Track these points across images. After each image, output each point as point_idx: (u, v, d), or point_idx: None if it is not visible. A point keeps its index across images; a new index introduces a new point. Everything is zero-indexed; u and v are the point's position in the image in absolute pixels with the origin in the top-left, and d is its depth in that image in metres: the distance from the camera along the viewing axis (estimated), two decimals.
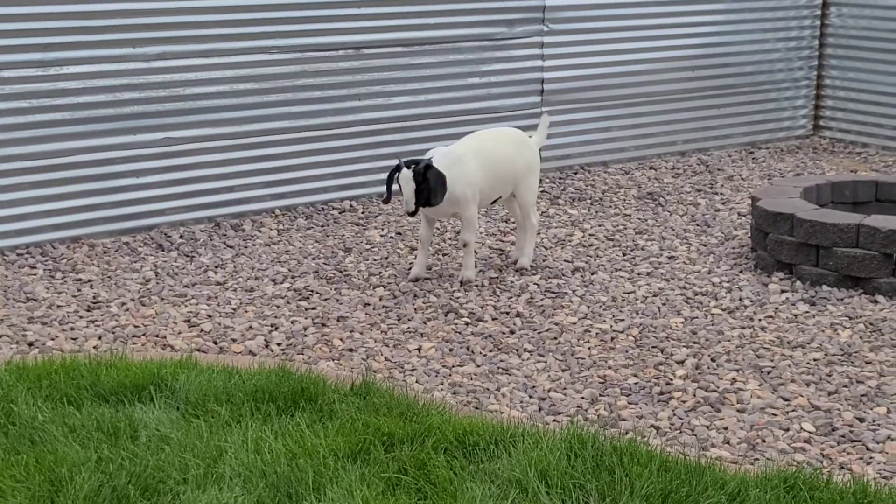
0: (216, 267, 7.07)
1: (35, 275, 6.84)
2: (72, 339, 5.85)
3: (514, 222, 7.56)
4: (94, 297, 6.45)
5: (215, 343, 5.83)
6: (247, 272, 6.98)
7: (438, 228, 7.80)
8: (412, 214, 6.54)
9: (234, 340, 5.87)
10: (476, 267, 6.91)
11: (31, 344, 5.74)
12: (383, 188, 8.49)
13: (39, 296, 6.46)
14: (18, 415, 4.43)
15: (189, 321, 6.12)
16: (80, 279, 6.78)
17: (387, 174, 6.68)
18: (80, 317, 6.18)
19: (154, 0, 7.66)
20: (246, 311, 6.30)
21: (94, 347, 5.70)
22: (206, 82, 7.92)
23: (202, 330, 6.00)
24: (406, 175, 6.37)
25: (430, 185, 6.38)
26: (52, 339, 5.83)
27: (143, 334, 5.94)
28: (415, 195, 6.38)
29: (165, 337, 5.88)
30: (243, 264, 7.14)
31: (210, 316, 6.20)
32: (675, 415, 5.06)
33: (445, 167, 6.46)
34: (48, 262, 7.05)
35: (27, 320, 6.10)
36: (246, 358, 5.58)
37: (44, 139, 7.35)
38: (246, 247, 7.51)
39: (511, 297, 6.55)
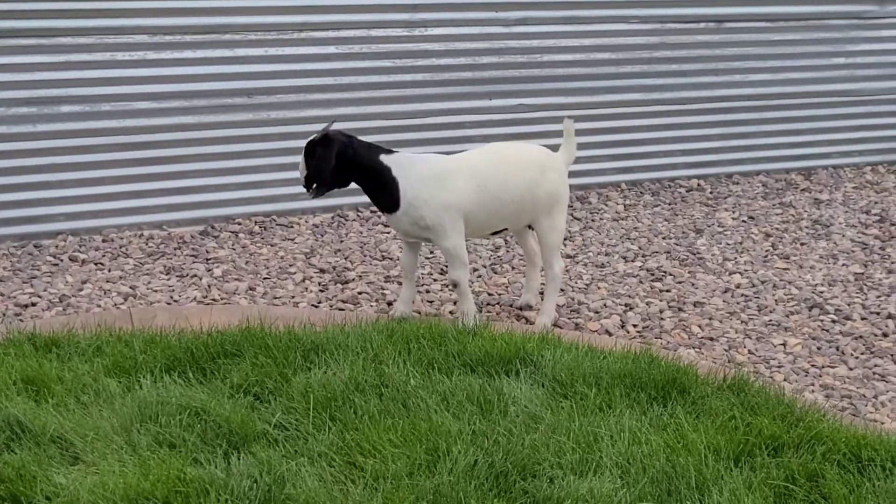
0: (565, 239, 6.92)
1: (389, 233, 6.89)
2: (427, 301, 5.84)
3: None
4: (446, 261, 6.42)
5: (569, 319, 5.68)
6: (596, 247, 6.81)
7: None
8: (308, 192, 5.24)
9: (589, 318, 5.70)
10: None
11: (389, 304, 5.76)
12: (733, 169, 8.18)
13: (394, 255, 6.50)
14: (390, 377, 4.40)
15: (541, 293, 6.00)
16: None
17: None
18: (434, 279, 6.17)
19: None
20: (599, 288, 6.13)
21: (450, 313, 5.66)
22: (564, 50, 7.78)
23: (556, 303, 5.85)
24: (308, 141, 5.21)
25: (314, 164, 5.12)
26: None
27: (497, 303, 5.87)
28: (305, 169, 5.19)
29: (522, 309, 5.77)
30: (592, 238, 6.97)
31: (563, 290, 6.06)
32: None
33: (418, 180, 5.15)
34: None
35: (384, 279, 6.14)
36: (604, 338, 5.41)
37: (403, 99, 7.41)
38: (593, 220, 7.34)
39: (880, 297, 6.09)
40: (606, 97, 7.99)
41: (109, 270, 6.15)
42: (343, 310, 5.67)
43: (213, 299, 5.78)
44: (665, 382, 4.48)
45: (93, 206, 6.73)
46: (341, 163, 5.11)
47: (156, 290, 5.86)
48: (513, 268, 6.38)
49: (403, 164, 5.19)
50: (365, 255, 6.49)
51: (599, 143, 8.02)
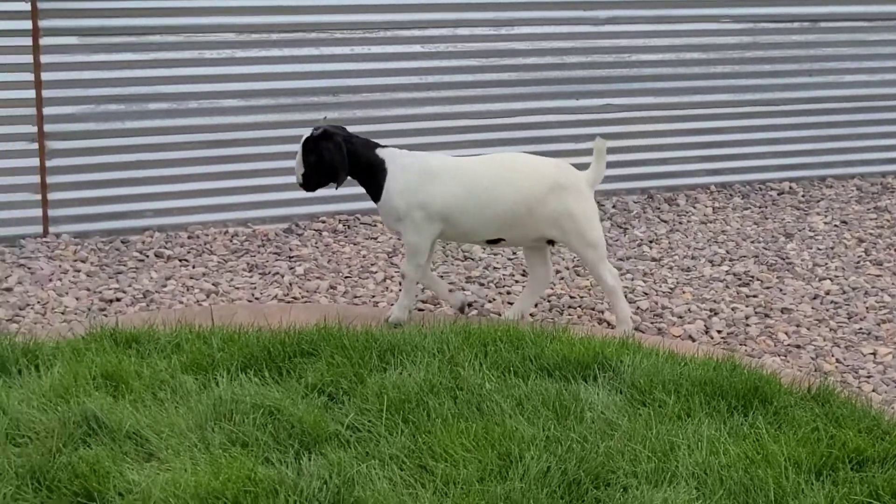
0: (650, 241, 6.82)
1: None
2: (508, 303, 5.78)
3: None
4: None
5: (652, 323, 5.59)
6: (682, 250, 6.69)
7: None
8: (304, 189, 5.39)
9: (672, 323, 5.60)
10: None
11: (470, 304, 5.72)
12: (826, 172, 7.99)
13: (476, 255, 6.45)
14: (465, 380, 4.35)
15: (625, 296, 5.90)
16: None
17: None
18: (516, 281, 6.11)
19: None
20: (683, 292, 6.02)
21: (531, 315, 5.60)
22: (652, 49, 7.68)
23: (639, 308, 5.77)
24: (304, 137, 5.28)
25: (320, 160, 5.20)
26: (490, 302, 5.79)
27: (579, 306, 5.79)
28: (303, 166, 5.28)
29: (603, 312, 5.69)
30: (678, 241, 6.85)
31: (646, 293, 5.97)
32: None
33: (403, 174, 5.17)
34: None
35: (465, 279, 6.10)
36: (686, 343, 5.31)
37: (489, 98, 7.36)
38: (680, 223, 7.22)
39: None
40: (696, 97, 7.86)
41: (193, 267, 6.20)
42: (422, 310, 5.64)
43: (294, 297, 5.78)
44: (746, 391, 4.38)
45: (179, 202, 6.79)
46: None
47: (238, 288, 5.89)
48: None
49: (395, 159, 5.22)
50: (447, 256, 6.45)
51: (688, 144, 7.90)
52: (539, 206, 5.14)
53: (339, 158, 5.17)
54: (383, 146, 5.30)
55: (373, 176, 5.24)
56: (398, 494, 3.59)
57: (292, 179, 6.89)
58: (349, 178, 5.30)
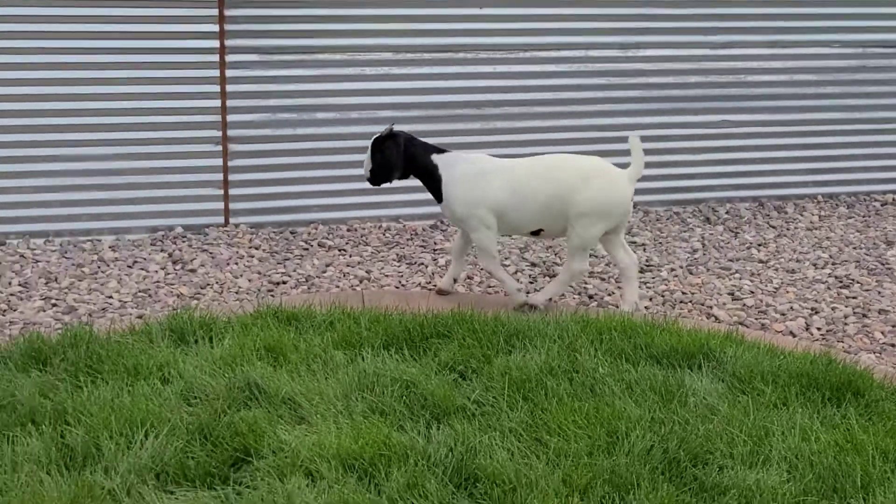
0: (759, 245, 6.62)
1: None
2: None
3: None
4: (646, 261, 6.24)
5: (756, 319, 5.41)
6: (788, 253, 6.47)
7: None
8: (370, 182, 5.36)
9: (774, 319, 5.42)
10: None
11: (591, 297, 5.63)
12: None
13: (600, 252, 6.35)
14: (582, 364, 4.28)
15: (732, 294, 5.74)
16: (635, 242, 6.60)
17: None
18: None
19: None
20: (787, 292, 5.81)
21: (645, 308, 5.48)
22: (767, 71, 7.45)
23: (745, 304, 5.59)
24: (374, 137, 5.29)
25: (383, 157, 5.22)
26: (609, 295, 5.69)
27: (690, 301, 5.65)
28: (371, 162, 5.28)
29: (711, 307, 5.54)
30: (785, 245, 6.63)
31: (752, 292, 5.78)
32: None
33: (457, 178, 5.14)
34: None
35: (588, 274, 6.00)
36: (787, 339, 5.12)
37: (615, 113, 7.24)
38: (788, 229, 6.99)
39: None
40: (807, 115, 7.60)
41: (350, 256, 6.25)
42: (489, 293, 5.56)
43: (435, 285, 5.77)
44: (840, 384, 4.20)
45: (341, 199, 6.86)
46: (405, 157, 5.20)
47: (387, 275, 5.91)
48: (707, 269, 6.13)
49: (449, 163, 5.19)
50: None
51: (798, 158, 7.65)
52: (577, 196, 5.05)
53: (396, 157, 5.18)
54: (442, 151, 5.27)
55: (430, 178, 5.24)
56: (515, 463, 3.54)
57: None
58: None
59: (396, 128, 5.32)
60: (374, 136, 5.26)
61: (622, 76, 7.19)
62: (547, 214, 5.13)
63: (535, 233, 5.27)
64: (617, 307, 5.40)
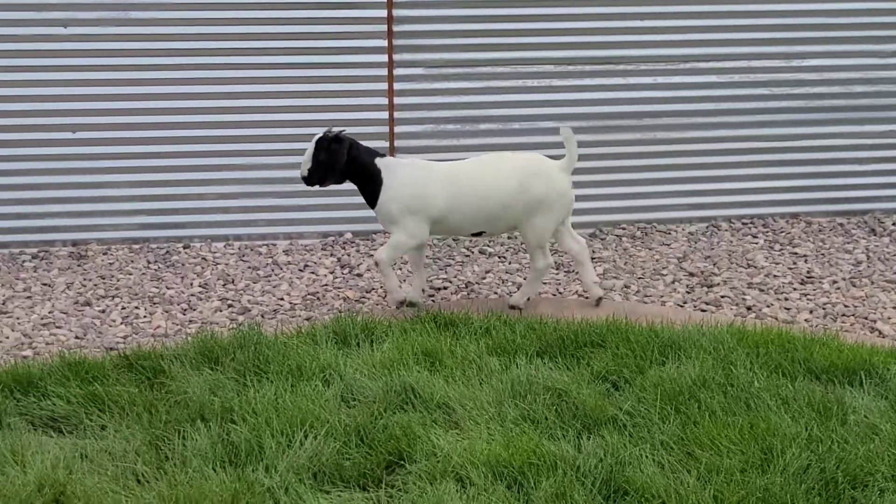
0: None
1: (756, 244, 6.45)
2: (785, 308, 5.38)
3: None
4: (807, 272, 5.91)
5: None
6: None
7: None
8: (306, 182, 5.06)
9: None
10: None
11: (749, 308, 5.36)
12: None
13: (759, 264, 6.06)
14: (737, 377, 4.06)
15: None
16: (796, 253, 6.26)
17: None
18: (794, 289, 5.68)
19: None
20: None
21: (805, 321, 5.18)
22: None
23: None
24: (315, 137, 5.01)
25: (327, 158, 4.94)
26: (768, 307, 5.40)
27: (853, 315, 5.31)
28: (311, 162, 4.99)
29: (875, 322, 5.19)
30: None
31: None
32: None
33: (398, 177, 4.94)
34: (768, 234, 6.63)
35: (746, 285, 5.72)
36: None
37: (777, 124, 6.91)
38: None
39: None
40: None
41: (510, 263, 6.15)
42: (704, 311, 5.34)
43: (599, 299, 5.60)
44: None
45: None
46: (347, 160, 4.98)
47: (544, 283, 5.78)
48: (872, 282, 5.76)
49: (390, 167, 5.01)
50: (731, 262, 6.09)
51: None
52: (524, 195, 4.96)
53: (340, 160, 4.96)
54: (383, 155, 5.11)
55: (370, 182, 5.01)
56: (664, 477, 3.37)
57: (598, 191, 6.79)
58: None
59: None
60: (318, 137, 5.02)
61: (784, 86, 6.85)
62: (490, 216, 5.01)
63: (477, 234, 5.17)
64: (776, 319, 5.12)
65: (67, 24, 6.25)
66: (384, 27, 6.48)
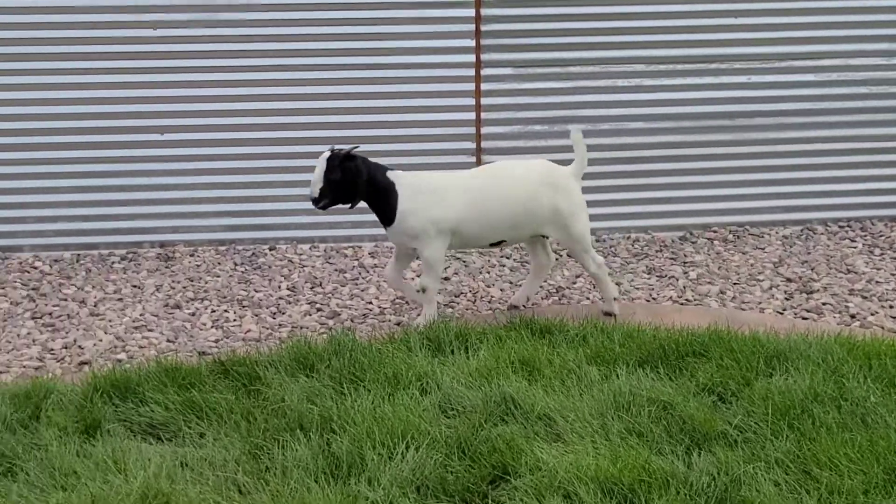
0: None
1: (855, 248, 6.23)
2: (892, 317, 5.18)
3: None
4: None
5: None
6: None
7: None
8: (316, 205, 4.76)
9: None
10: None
11: (853, 316, 5.17)
12: None
13: (859, 269, 5.85)
14: (850, 391, 3.89)
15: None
16: None
17: None
18: None
19: None
20: None
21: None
22: None
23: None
24: (323, 156, 4.74)
25: (343, 178, 4.69)
26: (873, 315, 5.21)
27: None
28: (322, 182, 4.71)
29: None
30: None
31: None
32: None
33: (413, 189, 4.75)
34: (867, 238, 6.41)
35: (848, 291, 5.53)
36: None
37: (877, 124, 6.69)
38: None
39: None
40: None
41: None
42: (806, 319, 5.16)
43: (687, 300, 5.47)
44: None
45: (590, 210, 6.60)
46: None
47: (637, 288, 5.65)
48: None
49: (403, 180, 4.82)
50: (830, 268, 5.89)
51: None
52: (542, 202, 4.86)
53: (360, 181, 4.74)
54: (393, 170, 4.88)
55: (384, 197, 4.80)
56: (783, 498, 3.23)
57: (689, 193, 6.62)
58: None
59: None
60: (328, 155, 4.74)
61: (884, 85, 6.62)
62: (511, 225, 4.87)
63: (496, 244, 5.00)
64: (882, 328, 4.92)
65: (157, 26, 6.26)
66: (472, 27, 6.39)
